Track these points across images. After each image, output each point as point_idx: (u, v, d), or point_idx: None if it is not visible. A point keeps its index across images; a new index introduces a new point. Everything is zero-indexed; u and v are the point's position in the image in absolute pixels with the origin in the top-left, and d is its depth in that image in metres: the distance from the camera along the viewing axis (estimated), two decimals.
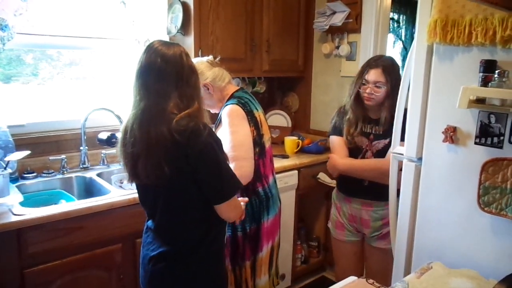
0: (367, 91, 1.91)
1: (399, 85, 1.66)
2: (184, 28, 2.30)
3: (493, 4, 1.15)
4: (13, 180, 1.92)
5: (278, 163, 2.38)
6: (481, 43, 1.28)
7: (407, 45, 4.75)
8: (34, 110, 2.19)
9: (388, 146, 1.92)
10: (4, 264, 1.54)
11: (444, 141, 1.42)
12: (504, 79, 1.23)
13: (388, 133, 1.92)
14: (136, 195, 1.51)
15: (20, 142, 1.99)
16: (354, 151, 2.01)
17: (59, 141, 2.17)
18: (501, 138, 1.29)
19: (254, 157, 1.67)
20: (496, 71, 1.24)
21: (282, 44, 2.72)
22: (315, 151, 2.68)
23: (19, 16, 1.86)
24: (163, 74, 1.26)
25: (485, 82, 1.26)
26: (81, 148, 2.18)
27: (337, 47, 2.75)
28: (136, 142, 1.27)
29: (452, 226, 1.44)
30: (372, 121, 1.99)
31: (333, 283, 1.43)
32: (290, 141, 2.71)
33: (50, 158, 2.10)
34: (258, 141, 1.72)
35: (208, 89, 1.74)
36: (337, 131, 2.07)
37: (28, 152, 1.87)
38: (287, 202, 2.47)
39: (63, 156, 2.13)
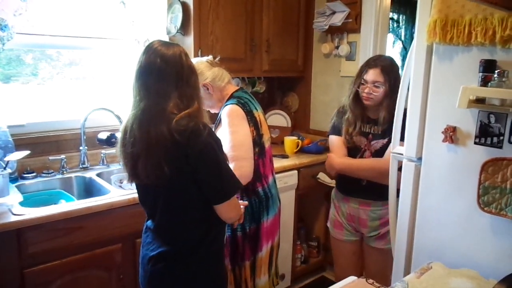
0: (366, 90, 1.91)
1: (398, 85, 1.66)
2: (184, 28, 2.30)
3: (492, 4, 1.15)
4: (13, 180, 1.92)
5: (277, 163, 2.38)
6: (480, 43, 1.28)
7: (406, 45, 4.75)
8: (33, 110, 2.19)
9: (386, 145, 1.93)
10: (4, 264, 1.54)
11: (443, 141, 1.42)
12: (503, 79, 1.23)
13: (386, 133, 1.92)
14: (136, 195, 1.51)
15: (20, 142, 1.99)
16: (353, 151, 2.02)
17: (59, 141, 2.17)
18: (501, 138, 1.29)
19: (253, 157, 1.67)
20: (496, 71, 1.24)
21: (282, 44, 2.72)
22: (315, 151, 2.68)
23: (19, 16, 1.86)
24: (163, 74, 1.26)
25: (484, 82, 1.26)
26: (81, 148, 2.18)
27: (337, 47, 2.75)
28: (136, 142, 1.27)
29: (452, 226, 1.44)
30: (371, 121, 1.99)
31: (333, 283, 1.43)
32: (290, 141, 2.71)
33: (50, 158, 2.10)
34: (257, 141, 1.72)
35: (207, 89, 1.74)
36: (336, 130, 2.07)
37: (27, 152, 1.87)
38: (287, 202, 2.47)
39: (62, 156, 2.13)
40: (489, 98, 1.27)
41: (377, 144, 1.97)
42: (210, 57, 1.82)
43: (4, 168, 1.73)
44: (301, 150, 2.72)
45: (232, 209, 1.38)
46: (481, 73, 1.27)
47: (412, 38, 4.59)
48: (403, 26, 4.84)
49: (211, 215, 1.36)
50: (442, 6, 1.34)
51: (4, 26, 1.79)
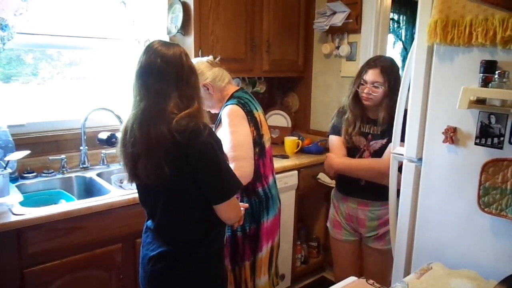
0: (365, 91, 1.92)
1: (398, 85, 1.66)
2: (184, 28, 2.30)
3: (493, 4, 1.15)
4: (13, 180, 1.92)
5: (278, 163, 2.38)
6: (481, 44, 1.28)
7: (407, 46, 4.75)
8: (34, 110, 2.19)
9: (385, 146, 1.93)
10: (4, 264, 1.54)
11: (444, 141, 1.42)
12: (504, 80, 1.23)
13: (385, 133, 1.93)
14: (136, 195, 1.51)
15: (20, 142, 1.99)
16: (352, 151, 2.02)
17: (59, 141, 2.17)
18: (501, 138, 1.29)
19: (254, 157, 1.67)
20: (497, 72, 1.24)
21: (282, 44, 2.72)
22: (315, 151, 2.68)
23: (19, 16, 1.86)
24: (163, 74, 1.26)
25: (485, 83, 1.26)
26: (81, 148, 2.18)
27: (337, 47, 2.75)
28: (136, 142, 1.27)
29: (452, 226, 1.43)
30: (371, 121, 1.99)
31: (333, 283, 1.43)
32: (290, 141, 2.71)
33: (50, 158, 2.10)
34: (258, 141, 1.72)
35: (208, 89, 1.74)
36: (335, 130, 2.08)
37: (28, 152, 1.87)
38: (287, 202, 2.47)
39: (63, 156, 2.13)
40: (490, 99, 1.27)
41: (376, 144, 1.97)
42: (210, 57, 1.82)
43: (4, 168, 1.73)
44: (301, 150, 2.72)
45: (232, 210, 1.38)
46: (481, 74, 1.27)
47: (412, 39, 4.58)
48: (404, 27, 4.84)
49: (211, 215, 1.36)
50: (443, 7, 1.34)
51: (4, 26, 1.79)
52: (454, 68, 1.38)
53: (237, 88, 1.83)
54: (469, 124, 1.36)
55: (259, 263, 1.79)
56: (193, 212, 1.35)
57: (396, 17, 4.69)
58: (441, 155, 1.44)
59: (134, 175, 1.33)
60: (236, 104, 1.70)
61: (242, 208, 1.50)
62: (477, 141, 1.34)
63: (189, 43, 2.29)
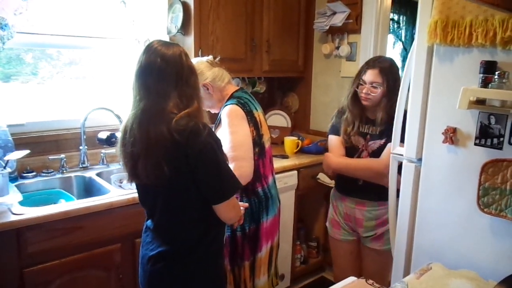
0: (364, 91, 1.92)
1: (397, 86, 1.66)
2: (184, 28, 2.30)
3: (493, 5, 1.15)
4: (13, 179, 1.92)
5: (277, 163, 2.38)
6: (481, 44, 1.28)
7: (407, 46, 4.75)
8: (33, 110, 2.18)
9: (383, 146, 1.94)
10: (4, 264, 1.54)
11: (444, 142, 1.42)
12: (504, 80, 1.23)
13: (384, 134, 1.93)
14: (136, 195, 1.51)
15: (20, 141, 1.99)
16: (351, 151, 2.03)
17: (59, 141, 2.17)
18: (501, 139, 1.29)
19: (253, 157, 1.67)
20: (496, 72, 1.24)
21: (282, 44, 2.72)
22: (314, 151, 2.68)
23: (19, 15, 1.86)
24: (163, 74, 1.26)
25: (485, 83, 1.26)
26: (81, 147, 2.18)
27: (337, 48, 2.75)
28: (135, 142, 1.27)
29: (452, 227, 1.44)
30: (370, 121, 2.00)
31: (333, 283, 1.43)
32: (290, 142, 2.71)
33: (50, 157, 2.10)
34: (257, 141, 1.72)
35: (207, 89, 1.74)
36: (334, 130, 2.09)
37: (27, 151, 1.87)
38: (287, 203, 2.47)
39: (62, 155, 2.13)
40: (490, 99, 1.27)
41: (375, 144, 1.97)
42: (210, 57, 1.82)
43: (4, 168, 1.73)
44: (301, 151, 2.72)
45: (231, 210, 1.38)
46: (481, 74, 1.27)
47: (412, 39, 4.58)
48: (404, 27, 4.83)
49: (210, 216, 1.36)
50: (443, 7, 1.34)
51: (4, 25, 1.78)
52: (454, 68, 1.38)
53: (237, 88, 1.83)
54: (469, 124, 1.36)
55: (258, 263, 1.79)
56: (192, 212, 1.34)
57: (396, 17, 4.69)
58: (440, 156, 1.44)
59: (133, 175, 1.33)
60: (236, 104, 1.70)
61: (242, 208, 1.50)
62: (477, 141, 1.34)
63: (189, 43, 2.29)
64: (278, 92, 3.20)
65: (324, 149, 2.66)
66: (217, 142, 1.31)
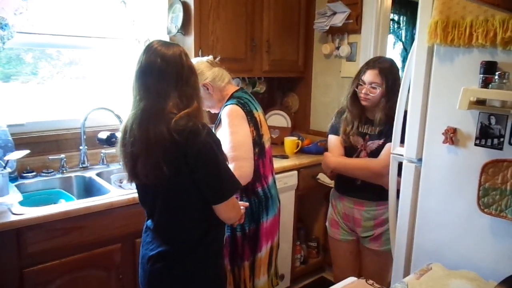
0: (363, 91, 1.93)
1: (396, 87, 1.66)
2: (185, 28, 2.30)
3: (494, 5, 1.15)
4: (13, 179, 1.92)
5: (277, 163, 2.38)
6: (481, 45, 1.28)
7: (407, 46, 4.75)
8: (33, 109, 2.18)
9: (381, 146, 1.94)
10: (3, 264, 1.54)
11: (444, 142, 1.42)
12: (504, 81, 1.23)
13: (382, 134, 1.94)
14: (136, 195, 1.51)
15: (20, 141, 1.99)
16: (350, 150, 2.03)
17: (59, 141, 2.16)
18: (501, 139, 1.29)
19: (253, 157, 1.67)
20: (497, 73, 1.24)
21: (282, 45, 2.72)
22: (314, 151, 2.68)
23: (19, 15, 1.86)
24: (163, 74, 1.26)
25: (485, 84, 1.26)
26: (81, 147, 2.18)
27: (337, 48, 2.75)
28: (135, 141, 1.27)
29: (452, 227, 1.44)
30: (369, 121, 2.00)
31: (332, 283, 1.43)
32: (290, 142, 2.71)
33: (50, 157, 2.10)
34: (257, 141, 1.72)
35: (207, 89, 1.74)
36: (334, 130, 2.10)
37: (27, 151, 1.87)
38: (287, 203, 2.47)
39: (62, 155, 2.13)
40: (490, 100, 1.27)
41: (373, 144, 1.97)
42: (210, 57, 1.82)
43: (4, 168, 1.73)
44: (301, 151, 2.72)
45: (231, 210, 1.38)
46: (481, 75, 1.27)
47: (412, 40, 4.58)
48: (404, 27, 4.83)
49: (209, 215, 1.36)
50: (443, 8, 1.34)
51: (4, 25, 1.78)
52: (454, 68, 1.38)
53: (237, 88, 1.83)
54: (469, 125, 1.36)
55: (258, 263, 1.79)
56: (192, 212, 1.34)
57: (396, 17, 4.69)
58: (441, 156, 1.44)
59: (133, 175, 1.33)
60: (236, 104, 1.70)
61: (242, 207, 1.49)
62: (477, 142, 1.34)
63: (189, 43, 2.29)
64: (278, 92, 3.20)
65: (324, 149, 2.66)
66: (216, 142, 1.31)
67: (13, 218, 1.54)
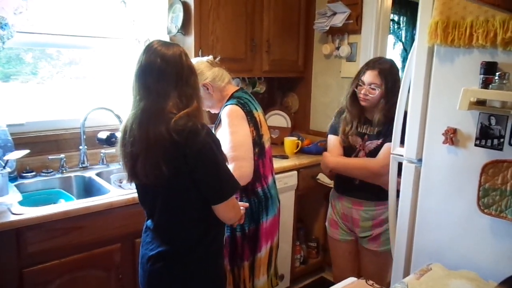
0: (362, 92, 1.93)
1: (396, 87, 1.66)
2: (185, 28, 2.30)
3: (494, 6, 1.15)
4: (12, 179, 1.92)
5: (277, 163, 2.38)
6: (482, 45, 1.28)
7: (407, 47, 4.75)
8: (33, 109, 2.18)
9: (380, 146, 1.94)
10: (3, 264, 1.54)
11: (444, 142, 1.42)
12: (504, 81, 1.23)
13: (381, 134, 1.94)
14: (135, 195, 1.51)
15: (19, 141, 1.98)
16: (349, 150, 2.04)
17: (59, 140, 2.16)
18: (501, 140, 1.29)
19: (253, 157, 1.67)
20: (497, 73, 1.24)
21: (282, 45, 2.72)
22: (314, 151, 2.68)
23: (19, 14, 1.86)
24: (163, 74, 1.26)
25: (485, 84, 1.26)
26: (81, 147, 2.18)
27: (337, 48, 2.75)
28: (135, 141, 1.27)
29: (452, 227, 1.44)
30: (368, 122, 2.01)
31: (332, 284, 1.43)
32: (290, 142, 2.71)
33: (49, 157, 2.10)
34: (257, 142, 1.72)
35: (207, 89, 1.74)
36: (333, 130, 2.10)
37: (27, 151, 1.87)
38: (287, 203, 2.47)
39: (62, 155, 2.13)
40: (490, 100, 1.27)
41: (372, 144, 1.98)
42: (210, 57, 1.82)
43: (4, 167, 1.73)
44: (301, 151, 2.72)
45: (231, 210, 1.38)
46: (482, 75, 1.27)
47: (412, 40, 4.58)
48: (404, 28, 4.83)
49: (209, 216, 1.36)
50: (444, 8, 1.34)
51: (4, 25, 1.78)
52: (455, 69, 1.38)
53: (237, 88, 1.83)
54: (469, 125, 1.36)
55: (258, 263, 1.79)
56: (191, 212, 1.34)
57: (396, 18, 4.69)
58: (441, 156, 1.44)
59: (133, 175, 1.33)
60: (236, 104, 1.70)
61: (242, 208, 1.49)
62: (477, 142, 1.34)
63: (189, 43, 2.29)
64: (278, 92, 3.20)
65: (324, 150, 2.66)
66: (216, 142, 1.31)
67: (12, 218, 1.54)
